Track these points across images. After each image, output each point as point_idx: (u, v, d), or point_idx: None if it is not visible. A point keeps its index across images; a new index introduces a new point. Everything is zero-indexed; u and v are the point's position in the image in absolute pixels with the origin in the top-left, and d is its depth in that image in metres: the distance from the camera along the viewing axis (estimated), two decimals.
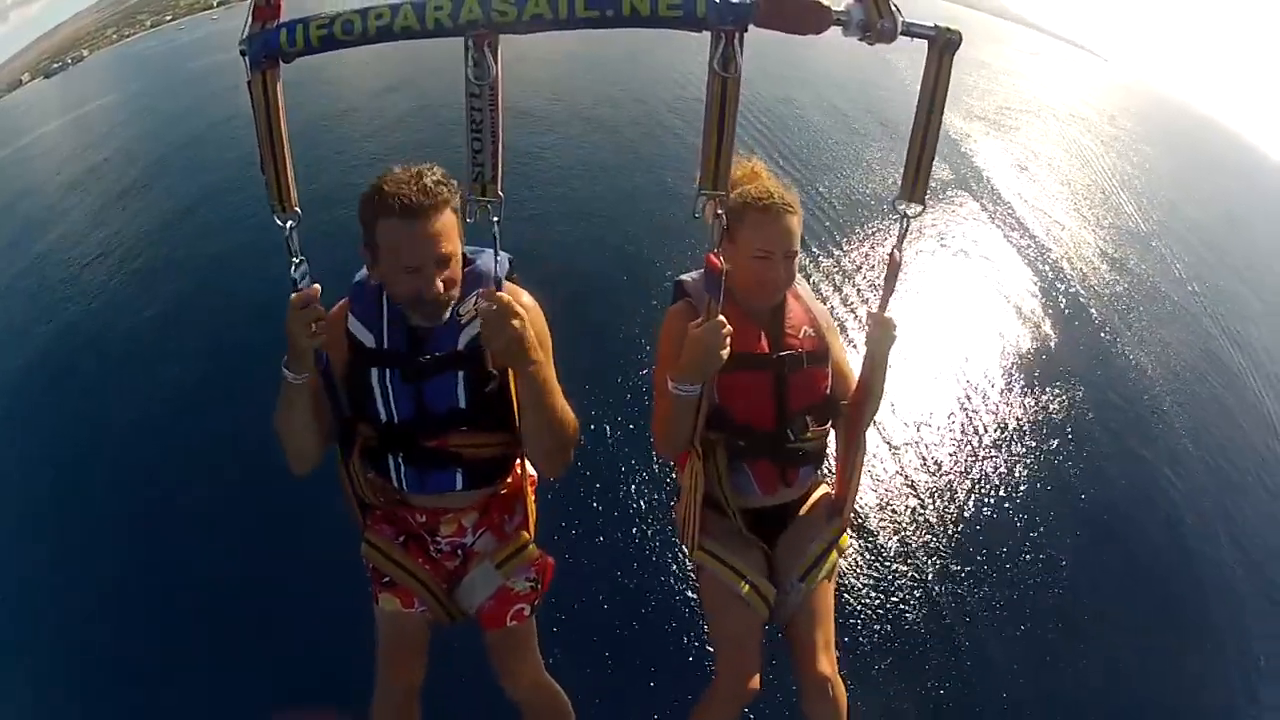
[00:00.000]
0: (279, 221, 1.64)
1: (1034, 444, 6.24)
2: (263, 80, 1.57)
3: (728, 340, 1.75)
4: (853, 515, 5.03)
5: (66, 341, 7.83)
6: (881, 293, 1.96)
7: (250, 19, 1.55)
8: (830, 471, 2.32)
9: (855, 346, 5.99)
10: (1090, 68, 32.92)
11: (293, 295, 1.65)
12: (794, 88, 14.31)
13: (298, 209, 1.64)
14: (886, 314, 1.95)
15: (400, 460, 1.94)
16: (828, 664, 2.05)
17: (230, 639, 4.55)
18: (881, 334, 1.95)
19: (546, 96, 12.81)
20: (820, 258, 8.34)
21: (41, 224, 11.33)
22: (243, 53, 1.55)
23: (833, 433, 2.20)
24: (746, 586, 2.05)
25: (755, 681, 2.06)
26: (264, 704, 4.10)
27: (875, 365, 1.99)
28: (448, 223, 1.74)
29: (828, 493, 2.29)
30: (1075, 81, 25.82)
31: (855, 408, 2.08)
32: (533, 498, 2.15)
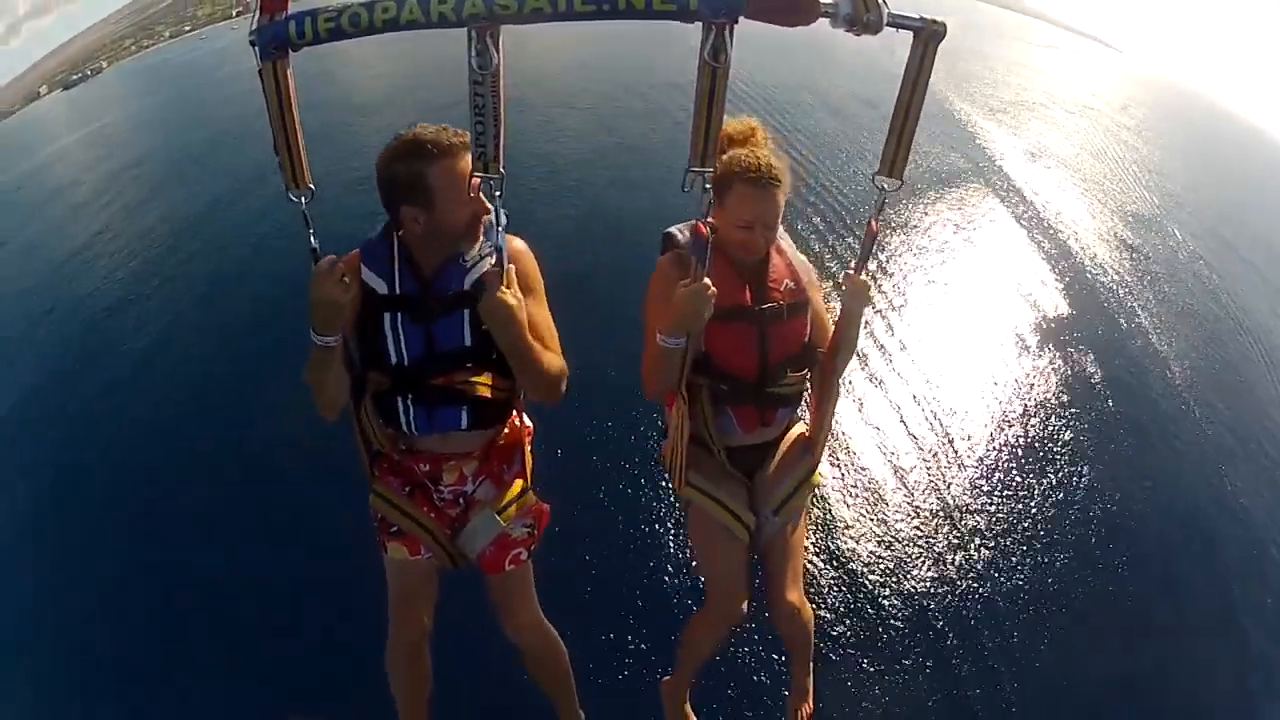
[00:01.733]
0: (293, 198, 1.76)
1: (1043, 422, 6.32)
2: (273, 69, 1.65)
3: (712, 300, 1.89)
4: (867, 490, 5.20)
5: (76, 344, 7.93)
6: (859, 256, 2.13)
7: (259, 11, 1.62)
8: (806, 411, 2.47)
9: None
10: (1104, 59, 33.15)
11: (318, 262, 1.79)
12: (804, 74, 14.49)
13: (311, 186, 1.76)
14: (861, 276, 2.10)
15: (409, 401, 2.05)
16: (796, 593, 2.26)
17: (230, 639, 4.56)
18: (856, 293, 2.10)
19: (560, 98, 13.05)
20: (834, 234, 8.47)
21: (69, 230, 11.54)
22: (253, 43, 1.63)
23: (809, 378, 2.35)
24: (730, 517, 2.23)
25: (743, 605, 2.25)
26: (264, 704, 4.12)
27: (849, 321, 2.14)
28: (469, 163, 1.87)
29: (803, 432, 2.44)
30: (1088, 73, 26.07)
31: (830, 357, 2.23)
32: (530, 448, 2.27)
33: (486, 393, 2.07)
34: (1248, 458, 6.59)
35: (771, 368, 2.19)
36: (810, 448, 2.36)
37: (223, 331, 7.45)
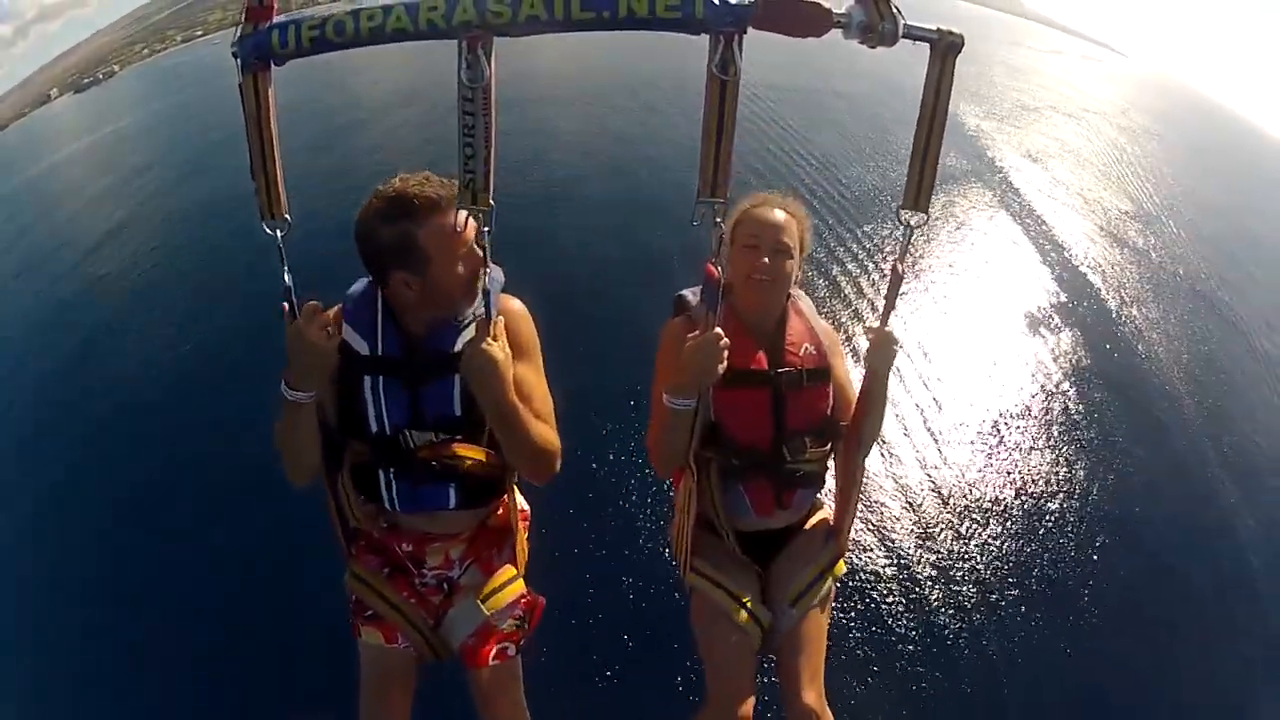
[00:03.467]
0: (267, 230, 1.62)
1: (1038, 418, 6.34)
2: (254, 83, 1.54)
3: (725, 353, 1.69)
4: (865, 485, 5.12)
5: (85, 344, 7.96)
6: (883, 306, 1.91)
7: (243, 20, 1.52)
8: (830, 494, 2.24)
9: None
10: (1109, 64, 33.29)
11: (305, 306, 1.64)
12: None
13: (287, 216, 1.62)
14: (887, 329, 1.89)
15: (391, 475, 1.87)
16: (814, 694, 1.97)
17: (232, 638, 4.53)
18: (882, 348, 1.89)
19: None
20: (843, 268, 8.36)
21: (77, 232, 11.63)
22: (235, 55, 1.53)
23: (832, 455, 2.14)
24: (740, 610, 1.99)
25: (747, 707, 1.98)
26: (265, 704, 4.07)
27: (875, 381, 1.94)
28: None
29: (825, 517, 2.22)
30: (1092, 78, 26.25)
31: (855, 427, 2.01)
32: (524, 534, 2.09)
33: (477, 468, 1.88)
34: (1237, 452, 6.59)
35: (788, 440, 1.99)
36: (834, 534, 2.14)
37: (230, 333, 7.44)
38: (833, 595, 2.16)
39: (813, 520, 2.20)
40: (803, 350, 2.02)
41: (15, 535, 5.74)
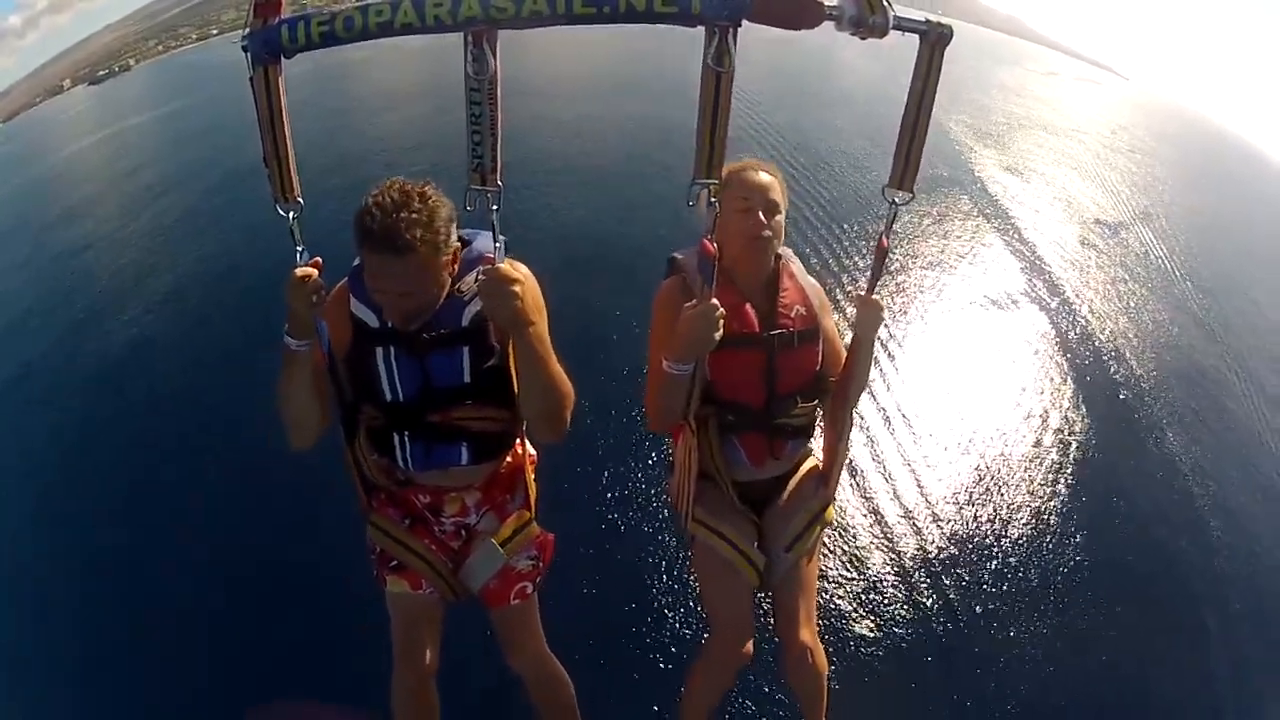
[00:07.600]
0: (281, 211, 1.71)
1: (1024, 442, 6.22)
2: (265, 76, 1.61)
3: (721, 322, 1.78)
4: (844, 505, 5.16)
5: (87, 328, 8.04)
6: (869, 276, 2.00)
7: (251, 15, 1.58)
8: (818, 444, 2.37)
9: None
10: (1106, 86, 32.91)
11: (294, 270, 1.71)
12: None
13: (300, 199, 1.71)
14: (873, 297, 1.99)
15: (405, 438, 1.97)
16: (809, 633, 2.12)
17: (233, 634, 4.56)
18: (868, 316, 2.00)
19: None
20: (830, 248, 8.52)
21: (88, 221, 11.73)
22: (244, 49, 1.59)
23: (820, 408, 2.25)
24: (737, 555, 2.11)
25: (748, 647, 2.13)
26: (267, 700, 4.10)
27: (862, 346, 2.04)
28: (418, 265, 1.74)
29: (815, 465, 2.34)
30: (1086, 99, 26.10)
31: (842, 386, 2.13)
32: (533, 476, 2.19)
33: (487, 427, 1.99)
34: (1229, 489, 6.50)
35: (780, 398, 2.09)
36: (824, 481, 2.25)
37: (244, 319, 7.48)
38: (822, 539, 2.29)
39: (803, 469, 2.31)
40: (794, 311, 2.10)
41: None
